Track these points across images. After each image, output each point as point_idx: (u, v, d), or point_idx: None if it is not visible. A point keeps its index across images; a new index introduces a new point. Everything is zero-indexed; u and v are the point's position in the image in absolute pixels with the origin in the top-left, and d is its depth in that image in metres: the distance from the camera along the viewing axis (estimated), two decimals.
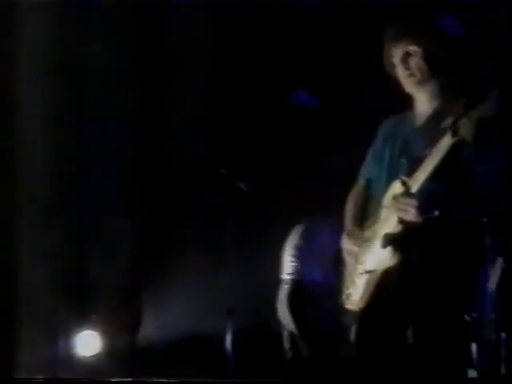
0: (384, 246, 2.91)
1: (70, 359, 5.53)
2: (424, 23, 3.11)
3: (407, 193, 2.85)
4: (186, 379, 3.87)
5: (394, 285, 2.95)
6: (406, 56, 3.03)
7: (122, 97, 5.43)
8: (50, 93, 5.30)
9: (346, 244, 3.16)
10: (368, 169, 3.25)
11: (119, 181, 5.60)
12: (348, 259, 3.16)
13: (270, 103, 5.46)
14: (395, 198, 2.89)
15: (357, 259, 3.09)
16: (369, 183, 3.23)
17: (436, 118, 2.94)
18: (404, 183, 2.87)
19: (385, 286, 2.97)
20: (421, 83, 3.03)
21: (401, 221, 2.87)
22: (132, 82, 5.46)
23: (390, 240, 2.89)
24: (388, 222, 2.95)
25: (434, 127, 2.89)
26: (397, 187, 2.93)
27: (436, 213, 2.80)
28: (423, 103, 3.07)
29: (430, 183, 2.82)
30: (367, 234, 3.10)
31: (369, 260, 3.05)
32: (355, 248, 3.10)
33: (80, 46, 5.40)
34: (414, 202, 2.82)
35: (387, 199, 2.98)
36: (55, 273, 5.39)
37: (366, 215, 3.18)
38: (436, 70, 3.01)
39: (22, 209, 5.13)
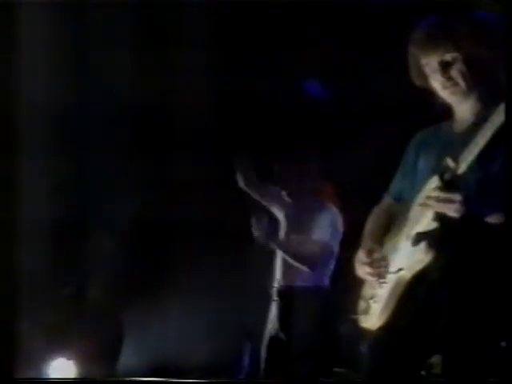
0: (415, 244, 2.58)
1: None
2: (459, 23, 2.71)
3: (452, 180, 2.50)
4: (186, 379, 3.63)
5: (424, 293, 2.59)
6: (444, 65, 2.67)
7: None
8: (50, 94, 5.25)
9: (362, 257, 2.78)
10: (397, 186, 2.92)
11: (106, 199, 5.50)
12: (363, 272, 2.79)
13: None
14: (435, 190, 2.53)
15: (376, 271, 2.74)
16: (396, 202, 2.90)
17: (479, 123, 2.56)
18: (448, 167, 2.51)
19: (413, 294, 2.61)
20: (465, 92, 2.68)
21: (437, 217, 2.53)
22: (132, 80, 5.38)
23: (423, 239, 2.56)
24: (420, 221, 2.61)
25: (476, 132, 2.51)
26: (434, 182, 2.58)
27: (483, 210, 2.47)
28: (464, 111, 2.73)
29: (477, 167, 2.48)
30: (388, 246, 2.77)
31: (394, 264, 2.69)
32: (373, 260, 2.75)
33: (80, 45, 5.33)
34: (457, 195, 2.46)
35: (421, 197, 2.63)
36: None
37: (388, 235, 2.83)
38: (480, 74, 2.66)
39: None
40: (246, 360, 4.94)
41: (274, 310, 4.67)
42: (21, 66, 5.14)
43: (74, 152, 5.55)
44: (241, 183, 4.79)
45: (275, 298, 4.67)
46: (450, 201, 2.46)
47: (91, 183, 5.61)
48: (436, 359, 2.62)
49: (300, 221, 4.73)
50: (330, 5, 4.96)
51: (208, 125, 5.51)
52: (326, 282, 4.65)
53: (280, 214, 4.84)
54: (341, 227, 4.71)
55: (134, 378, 4.48)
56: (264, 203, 4.86)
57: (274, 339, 4.61)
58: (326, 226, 4.65)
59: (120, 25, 5.20)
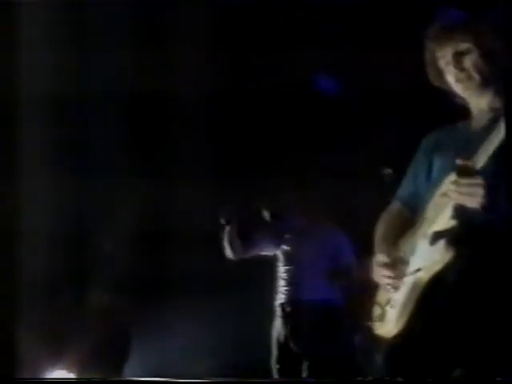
0: (433, 243, 2.44)
1: None
2: (473, 13, 2.61)
3: (470, 173, 2.34)
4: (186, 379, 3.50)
5: (443, 296, 2.43)
6: (458, 56, 2.55)
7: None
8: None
9: (380, 260, 2.64)
10: (407, 190, 2.77)
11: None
12: (381, 276, 2.63)
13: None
14: (454, 183, 2.37)
15: (395, 274, 2.58)
16: (406, 206, 2.75)
17: (497, 120, 2.41)
18: (465, 166, 2.35)
19: (432, 297, 2.45)
20: (479, 86, 2.54)
21: (456, 214, 2.38)
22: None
23: (441, 237, 2.42)
24: (437, 220, 2.47)
25: (494, 130, 2.36)
26: (451, 179, 2.41)
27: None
28: (481, 108, 2.59)
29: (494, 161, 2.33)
30: (404, 248, 2.60)
31: (412, 265, 2.54)
32: (392, 261, 2.60)
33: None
34: (480, 181, 2.30)
35: (437, 196, 2.49)
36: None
37: (399, 240, 2.68)
38: (496, 68, 2.52)
39: None
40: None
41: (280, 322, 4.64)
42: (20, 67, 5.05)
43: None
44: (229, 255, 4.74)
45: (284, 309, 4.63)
46: (473, 186, 2.31)
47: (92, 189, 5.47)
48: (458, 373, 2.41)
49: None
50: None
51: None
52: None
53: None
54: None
55: (134, 378, 4.49)
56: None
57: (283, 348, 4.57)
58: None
59: (119, 19, 5.08)
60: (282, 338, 4.56)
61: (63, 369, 5.23)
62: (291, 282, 4.62)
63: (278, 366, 4.55)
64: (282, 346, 4.55)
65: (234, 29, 5.09)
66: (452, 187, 2.37)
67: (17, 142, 5.04)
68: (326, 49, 4.84)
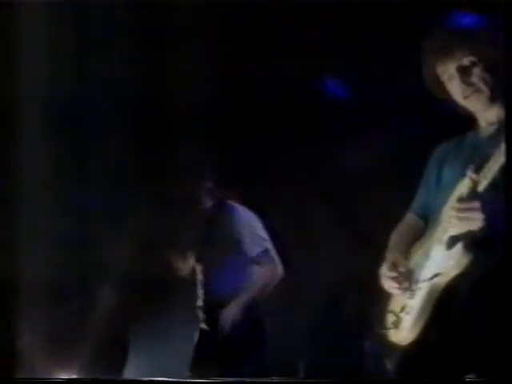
0: (450, 247, 2.42)
1: None
2: (475, 26, 2.60)
3: (472, 193, 2.36)
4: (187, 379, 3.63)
5: (461, 302, 2.40)
6: (463, 71, 2.52)
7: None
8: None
9: (387, 270, 2.62)
10: (421, 202, 2.76)
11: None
12: (389, 285, 2.62)
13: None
14: (460, 200, 2.40)
15: (401, 285, 2.57)
16: (420, 218, 2.74)
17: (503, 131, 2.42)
18: (471, 179, 2.37)
19: (449, 303, 2.42)
20: (488, 99, 2.52)
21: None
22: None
23: (458, 240, 2.40)
24: (453, 225, 2.43)
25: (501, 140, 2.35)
26: (464, 186, 2.42)
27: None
28: (490, 117, 2.57)
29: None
30: (417, 255, 2.60)
31: (427, 271, 2.51)
32: (398, 273, 2.59)
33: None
34: (477, 204, 2.31)
35: (452, 200, 2.46)
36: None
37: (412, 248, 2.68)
38: (500, 78, 2.49)
39: None
40: None
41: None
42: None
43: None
44: None
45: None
46: (471, 211, 2.32)
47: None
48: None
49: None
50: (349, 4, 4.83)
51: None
52: None
53: None
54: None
55: (134, 378, 4.46)
56: None
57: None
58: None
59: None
60: None
61: (66, 370, 5.22)
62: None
63: None
64: None
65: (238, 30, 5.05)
66: (452, 213, 2.39)
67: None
68: (330, 55, 4.80)
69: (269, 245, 4.13)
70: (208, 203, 4.27)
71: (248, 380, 3.92)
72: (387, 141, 4.77)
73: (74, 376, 5.15)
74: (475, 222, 2.33)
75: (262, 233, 4.16)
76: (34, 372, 4.99)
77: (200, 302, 4.24)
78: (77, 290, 5.45)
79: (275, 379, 4.29)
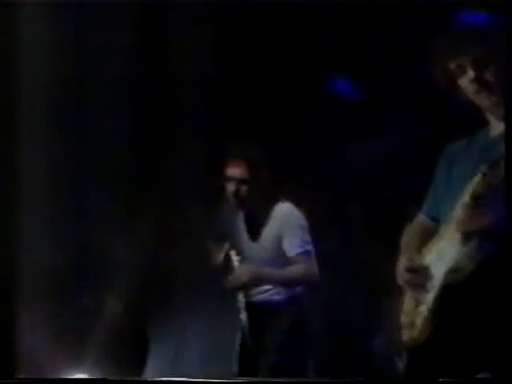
0: (465, 243, 2.44)
1: None
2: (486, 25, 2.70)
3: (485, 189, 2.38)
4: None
5: (476, 299, 2.40)
6: (477, 68, 2.54)
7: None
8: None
9: (403, 265, 2.63)
10: (431, 204, 2.78)
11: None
12: (404, 281, 2.62)
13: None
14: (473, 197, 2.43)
15: (417, 280, 2.57)
16: (432, 220, 2.75)
17: None
18: (484, 175, 2.40)
19: (464, 300, 2.42)
20: (501, 96, 2.54)
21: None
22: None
23: (473, 237, 2.42)
24: (466, 222, 2.47)
25: None
26: (477, 183, 2.45)
27: None
28: (499, 117, 2.58)
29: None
30: (431, 253, 2.60)
31: (441, 267, 2.52)
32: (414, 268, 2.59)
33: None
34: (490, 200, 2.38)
35: (465, 197, 2.49)
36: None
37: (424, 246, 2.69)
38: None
39: None
40: None
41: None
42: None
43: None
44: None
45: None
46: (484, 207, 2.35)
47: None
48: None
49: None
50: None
51: None
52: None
53: None
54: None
55: (134, 378, 4.30)
56: None
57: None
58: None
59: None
60: None
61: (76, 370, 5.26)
62: None
63: None
64: None
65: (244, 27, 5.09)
66: (465, 210, 2.41)
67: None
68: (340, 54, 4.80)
69: (310, 247, 4.15)
70: (259, 200, 4.26)
71: (252, 380, 3.95)
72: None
73: (83, 376, 5.20)
74: (488, 218, 2.34)
75: (306, 234, 4.17)
76: (44, 372, 5.05)
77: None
78: (86, 288, 5.51)
79: (278, 379, 4.32)
